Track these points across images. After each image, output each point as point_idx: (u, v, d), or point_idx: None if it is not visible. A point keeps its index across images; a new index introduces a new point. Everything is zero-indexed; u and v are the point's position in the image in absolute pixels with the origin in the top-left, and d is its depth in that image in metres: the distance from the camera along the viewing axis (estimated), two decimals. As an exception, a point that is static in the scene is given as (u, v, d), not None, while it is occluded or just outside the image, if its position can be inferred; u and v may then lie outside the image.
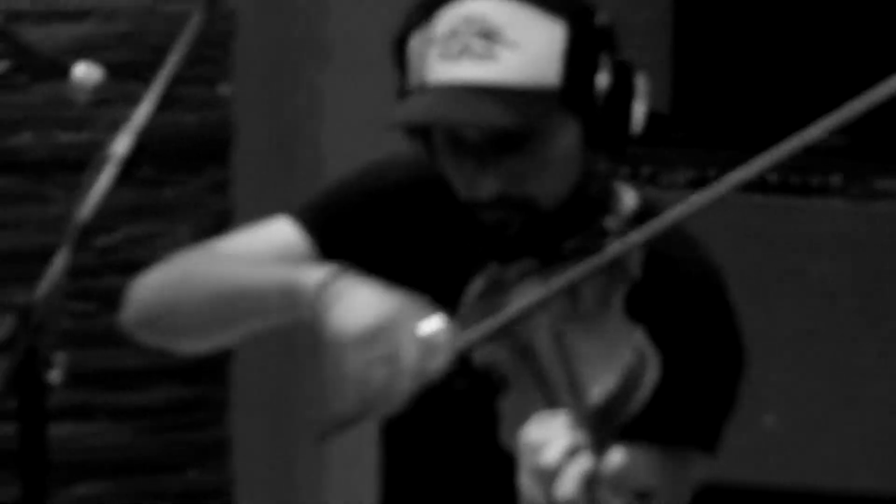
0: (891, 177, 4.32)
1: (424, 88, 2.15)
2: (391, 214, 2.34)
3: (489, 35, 2.13)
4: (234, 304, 2.29)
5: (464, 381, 2.11)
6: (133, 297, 2.30)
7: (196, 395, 4.38)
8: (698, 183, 4.01)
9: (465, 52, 2.13)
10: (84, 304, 4.07)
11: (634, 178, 3.56)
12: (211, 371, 4.29)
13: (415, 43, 2.18)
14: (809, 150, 2.02)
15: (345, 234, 2.32)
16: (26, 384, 2.18)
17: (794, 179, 4.26)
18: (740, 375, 2.19)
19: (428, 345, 2.04)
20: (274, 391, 4.52)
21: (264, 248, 2.35)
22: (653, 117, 2.16)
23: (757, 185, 3.96)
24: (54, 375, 2.14)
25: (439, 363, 2.03)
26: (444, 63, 2.13)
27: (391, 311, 2.06)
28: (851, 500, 4.16)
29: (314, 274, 2.12)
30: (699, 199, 1.93)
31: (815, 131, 1.73)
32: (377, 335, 2.06)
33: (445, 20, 2.14)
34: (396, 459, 2.46)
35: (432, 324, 2.00)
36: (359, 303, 2.15)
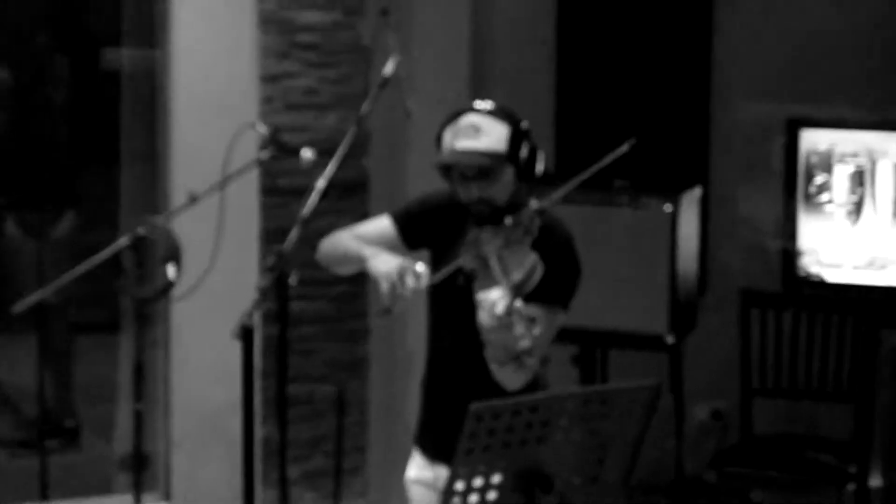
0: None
1: (449, 151, 3.54)
2: (435, 213, 3.80)
3: (477, 130, 3.54)
4: (348, 259, 3.72)
5: (461, 278, 3.51)
6: (319, 248, 3.82)
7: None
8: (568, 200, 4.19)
9: (466, 136, 3.55)
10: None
11: (537, 197, 3.94)
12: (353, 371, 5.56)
13: (445, 133, 3.58)
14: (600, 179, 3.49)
15: (414, 224, 3.79)
16: (280, 288, 3.79)
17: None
18: (580, 276, 3.59)
19: (417, 275, 3.37)
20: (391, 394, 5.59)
21: (375, 229, 3.83)
22: (545, 172, 3.66)
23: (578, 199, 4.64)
24: (292, 281, 3.74)
25: (421, 284, 3.38)
26: (457, 140, 3.52)
27: (400, 263, 3.42)
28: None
29: (372, 260, 3.52)
30: (553, 198, 3.44)
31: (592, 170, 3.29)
32: (392, 273, 3.38)
33: (461, 122, 3.55)
34: (434, 316, 3.80)
35: (418, 267, 3.35)
36: (383, 261, 3.48)
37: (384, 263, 3.58)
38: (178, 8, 5.20)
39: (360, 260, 3.68)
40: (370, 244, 3.74)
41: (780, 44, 6.15)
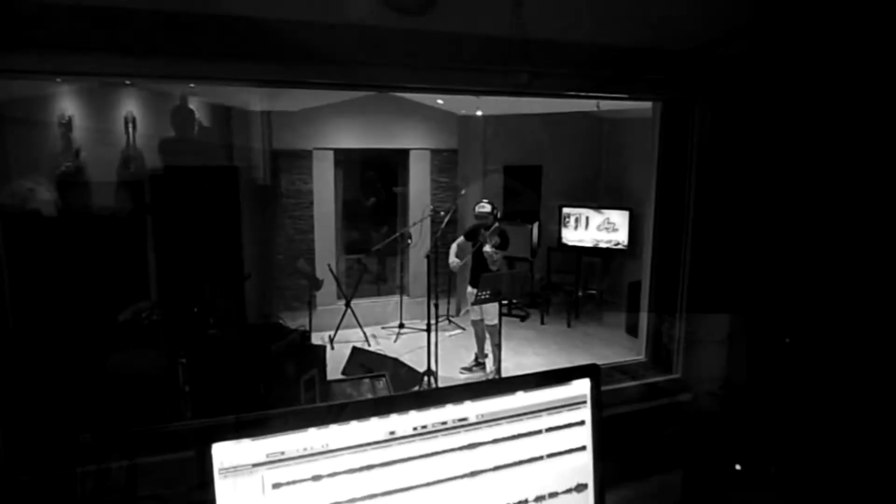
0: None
1: (477, 212, 4.63)
2: (473, 230, 4.71)
3: (483, 205, 4.62)
4: (453, 259, 4.70)
5: (478, 245, 4.63)
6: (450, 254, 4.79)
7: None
8: (504, 223, 4.42)
9: (481, 207, 4.63)
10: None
11: (500, 222, 4.09)
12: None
13: (475, 206, 4.67)
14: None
15: (468, 234, 4.74)
16: (434, 245, 5.49)
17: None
18: (509, 243, 4.64)
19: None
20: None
21: (461, 240, 4.73)
22: (500, 216, 4.81)
23: (507, 222, 4.78)
24: (438, 243, 5.32)
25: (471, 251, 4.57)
26: (479, 208, 4.64)
27: (458, 261, 4.48)
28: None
29: (453, 257, 4.55)
30: (501, 225, 4.39)
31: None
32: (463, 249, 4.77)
33: (479, 203, 4.63)
34: (472, 256, 4.67)
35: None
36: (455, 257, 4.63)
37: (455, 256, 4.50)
38: (412, 174, 6.36)
39: (456, 260, 4.57)
40: (459, 245, 4.50)
41: (561, 181, 6.80)
